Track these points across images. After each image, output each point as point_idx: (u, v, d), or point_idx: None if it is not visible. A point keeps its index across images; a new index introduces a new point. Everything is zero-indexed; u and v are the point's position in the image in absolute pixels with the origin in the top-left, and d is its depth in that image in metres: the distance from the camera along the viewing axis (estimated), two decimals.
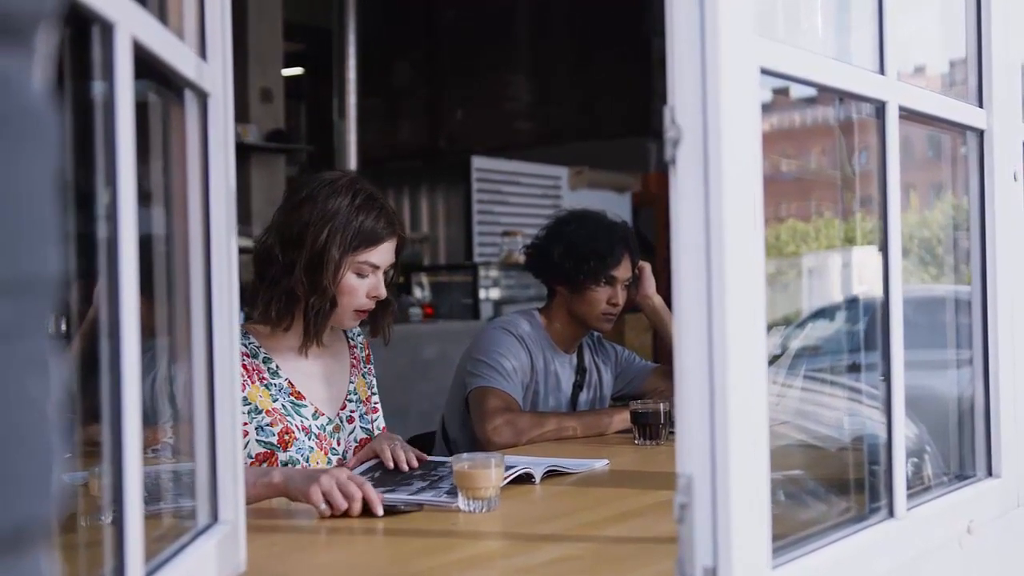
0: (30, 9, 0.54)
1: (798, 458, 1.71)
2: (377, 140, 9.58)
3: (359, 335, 2.41)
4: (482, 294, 7.08)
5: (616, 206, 6.73)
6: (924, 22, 2.01)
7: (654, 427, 2.59)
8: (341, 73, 8.14)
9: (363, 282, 2.19)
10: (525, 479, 2.07)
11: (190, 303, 1.32)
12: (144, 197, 1.02)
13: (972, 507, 1.69)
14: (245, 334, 2.21)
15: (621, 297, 2.91)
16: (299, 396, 2.22)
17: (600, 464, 2.29)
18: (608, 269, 2.87)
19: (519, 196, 7.88)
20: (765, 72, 1.20)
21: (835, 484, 1.66)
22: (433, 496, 1.92)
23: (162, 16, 1.17)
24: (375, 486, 1.94)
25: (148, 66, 1.08)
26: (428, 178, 8.32)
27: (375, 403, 2.42)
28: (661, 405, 2.61)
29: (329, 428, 2.25)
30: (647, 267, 3.02)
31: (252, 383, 2.16)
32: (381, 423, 2.42)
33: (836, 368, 2.01)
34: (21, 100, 0.53)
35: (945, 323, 1.97)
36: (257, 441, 2.13)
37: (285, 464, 2.14)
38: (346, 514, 1.79)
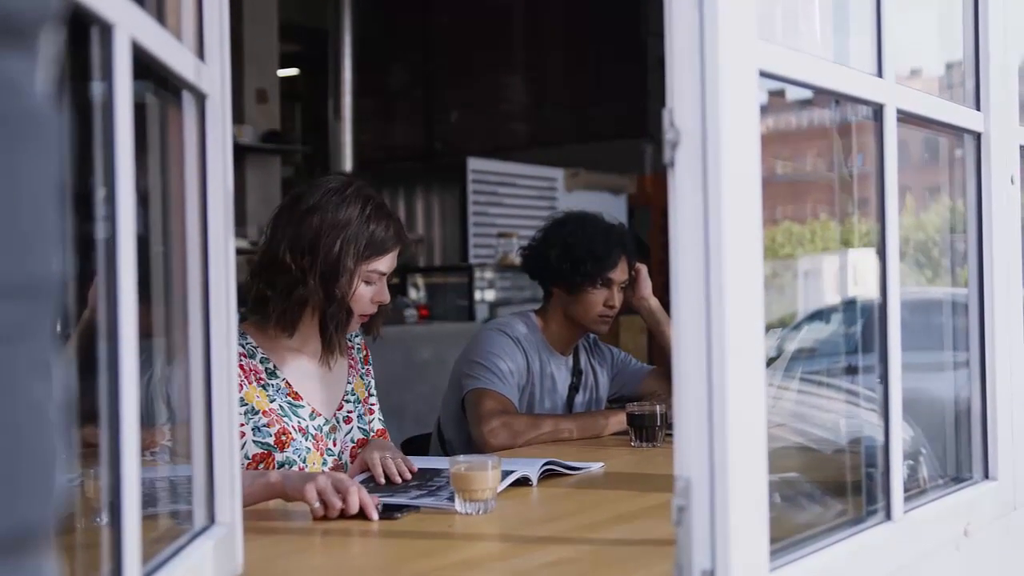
0: (34, 11, 0.53)
1: (795, 461, 1.71)
2: (373, 141, 9.58)
3: (357, 336, 2.42)
4: (477, 296, 7.07)
5: (611, 208, 6.73)
6: (921, 25, 2.01)
7: (651, 429, 2.59)
8: (337, 74, 8.14)
9: (370, 289, 2.22)
10: (522, 481, 2.07)
11: (187, 304, 1.31)
12: (142, 198, 1.02)
13: (969, 510, 1.69)
14: (242, 334, 2.21)
15: (617, 299, 2.91)
16: (297, 396, 2.22)
17: (596, 467, 2.29)
18: (605, 271, 2.87)
19: (515, 198, 7.88)
20: (764, 75, 1.20)
21: (832, 487, 1.67)
22: (434, 502, 1.91)
23: (160, 17, 1.17)
24: (372, 493, 1.94)
25: (146, 67, 1.08)
26: (423, 179, 8.31)
27: (372, 404, 2.42)
28: (658, 407, 2.61)
29: (326, 428, 2.25)
30: (643, 269, 3.02)
31: (249, 384, 2.16)
32: (377, 425, 2.42)
33: (832, 370, 2.01)
34: (25, 102, 0.53)
35: (941, 326, 1.97)
36: (254, 442, 2.13)
37: (281, 465, 2.14)
38: (342, 515, 1.79)
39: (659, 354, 3.26)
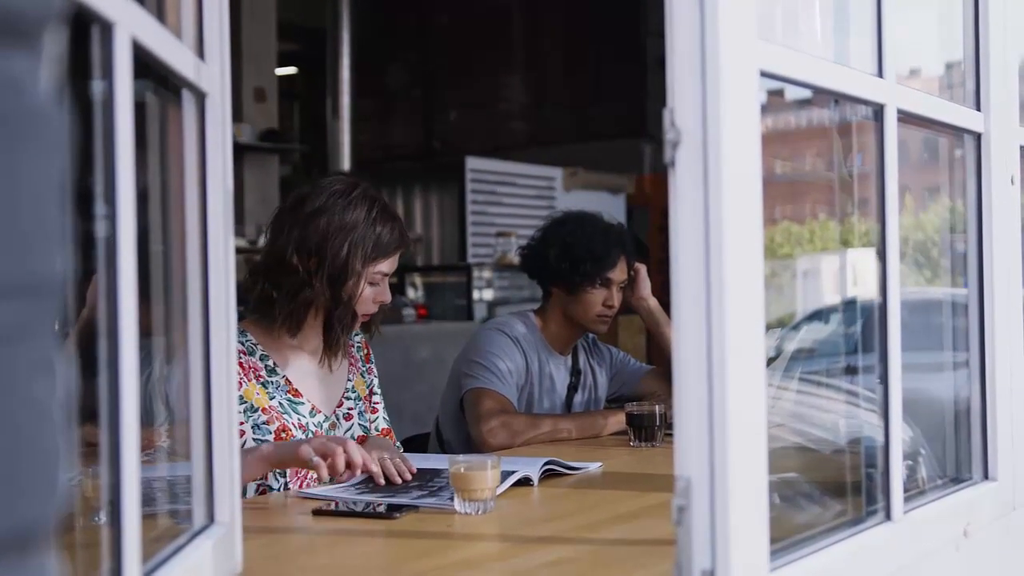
0: (37, 10, 0.53)
1: (795, 461, 1.71)
2: (371, 140, 9.58)
3: (357, 335, 2.43)
4: (476, 295, 7.07)
5: (610, 208, 6.73)
6: (921, 25, 2.01)
7: (650, 429, 2.59)
8: (335, 73, 8.14)
9: (373, 289, 2.24)
10: (522, 481, 2.07)
11: (186, 302, 1.31)
12: (141, 196, 1.02)
13: (969, 510, 1.69)
14: (242, 331, 2.22)
15: (617, 299, 2.90)
16: (296, 394, 2.23)
17: (595, 467, 2.29)
18: (604, 271, 2.87)
19: (513, 197, 7.88)
20: (765, 75, 1.20)
21: (832, 487, 1.66)
22: (435, 502, 1.91)
23: (160, 16, 1.17)
24: (373, 492, 1.94)
25: (146, 66, 1.08)
26: (422, 179, 8.31)
27: (375, 402, 2.43)
28: (657, 407, 2.61)
29: (326, 426, 2.26)
30: (643, 269, 3.02)
31: (249, 381, 2.17)
32: (381, 424, 2.42)
33: (832, 371, 2.01)
34: (29, 101, 0.53)
35: (940, 326, 1.97)
36: (254, 440, 2.14)
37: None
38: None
39: (658, 354, 3.26)
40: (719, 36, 1.11)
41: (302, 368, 2.27)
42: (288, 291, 2.18)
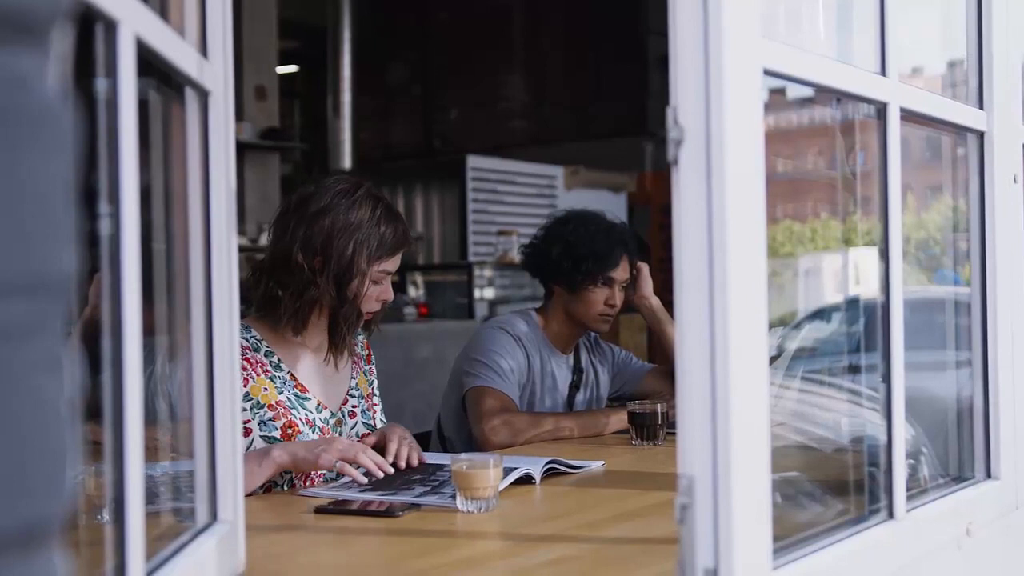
0: (45, 8, 0.53)
1: (798, 460, 1.71)
2: (372, 139, 9.58)
3: (359, 335, 2.44)
4: (477, 293, 7.07)
5: (611, 206, 6.74)
6: (924, 23, 2.01)
7: (652, 428, 2.59)
8: (336, 71, 8.14)
9: (377, 288, 2.25)
10: (524, 479, 2.07)
11: (189, 300, 1.31)
12: (144, 194, 1.02)
13: (971, 509, 1.69)
14: (246, 328, 2.23)
15: (619, 298, 2.90)
16: (303, 389, 2.24)
17: (597, 465, 2.29)
18: (606, 270, 2.87)
19: (514, 195, 7.88)
20: (768, 73, 1.20)
21: (834, 486, 1.66)
22: (437, 500, 1.91)
23: (163, 14, 1.17)
24: (375, 490, 1.95)
25: (149, 64, 1.07)
26: (423, 177, 8.31)
27: (374, 402, 2.44)
28: (659, 406, 2.61)
29: (332, 422, 2.27)
30: (645, 268, 3.02)
31: (257, 376, 2.18)
32: (378, 424, 2.43)
33: (834, 370, 2.01)
34: (36, 99, 0.53)
35: (943, 324, 1.97)
36: (261, 436, 2.15)
37: None
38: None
39: (659, 352, 3.26)
40: (722, 34, 1.11)
41: (307, 365, 2.28)
42: (293, 290, 2.19)
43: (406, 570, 1.55)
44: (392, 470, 2.03)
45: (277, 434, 2.16)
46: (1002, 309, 1.79)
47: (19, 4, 0.52)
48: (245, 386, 2.14)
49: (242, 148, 6.98)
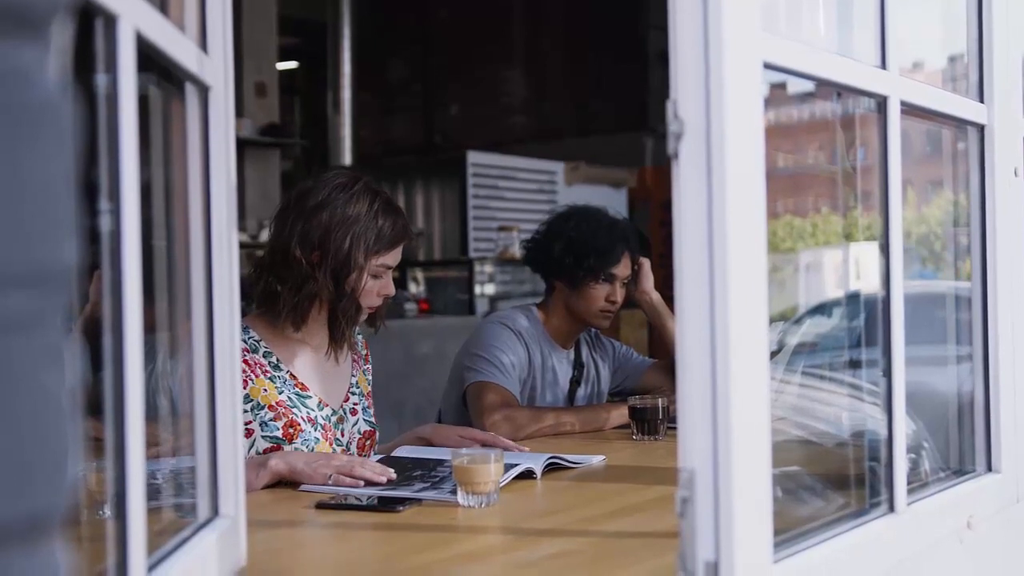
0: (46, 1, 0.53)
1: (798, 454, 1.71)
2: (372, 135, 9.58)
3: (359, 334, 2.43)
4: (477, 289, 7.07)
5: (612, 201, 6.74)
6: (924, 16, 2.01)
7: (652, 422, 2.59)
8: (336, 67, 8.14)
9: (376, 282, 2.25)
10: (525, 474, 2.07)
11: (190, 297, 1.31)
12: (144, 191, 1.02)
13: (972, 502, 1.69)
14: (245, 328, 2.22)
15: (620, 294, 2.90)
16: (303, 387, 2.24)
17: (597, 460, 2.29)
18: (608, 266, 2.87)
19: (515, 191, 7.88)
20: (768, 67, 1.20)
21: (835, 479, 1.67)
22: (437, 495, 1.91)
23: (163, 8, 1.17)
24: (376, 485, 1.95)
25: (150, 59, 1.07)
26: (423, 173, 8.31)
27: (370, 402, 2.45)
28: (659, 400, 2.61)
29: (333, 419, 2.27)
30: (646, 263, 3.02)
31: (256, 377, 2.18)
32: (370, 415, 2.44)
33: (834, 364, 2.01)
34: (38, 93, 0.53)
35: (944, 319, 1.97)
36: (263, 437, 2.15)
37: None
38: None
39: (660, 348, 3.26)
40: (722, 28, 1.10)
41: (307, 363, 2.28)
42: (292, 284, 2.19)
43: (407, 565, 1.55)
44: (395, 476, 2.00)
45: (279, 434, 2.15)
46: (1003, 303, 1.79)
47: None
48: (244, 388, 2.14)
49: (242, 144, 6.98)
